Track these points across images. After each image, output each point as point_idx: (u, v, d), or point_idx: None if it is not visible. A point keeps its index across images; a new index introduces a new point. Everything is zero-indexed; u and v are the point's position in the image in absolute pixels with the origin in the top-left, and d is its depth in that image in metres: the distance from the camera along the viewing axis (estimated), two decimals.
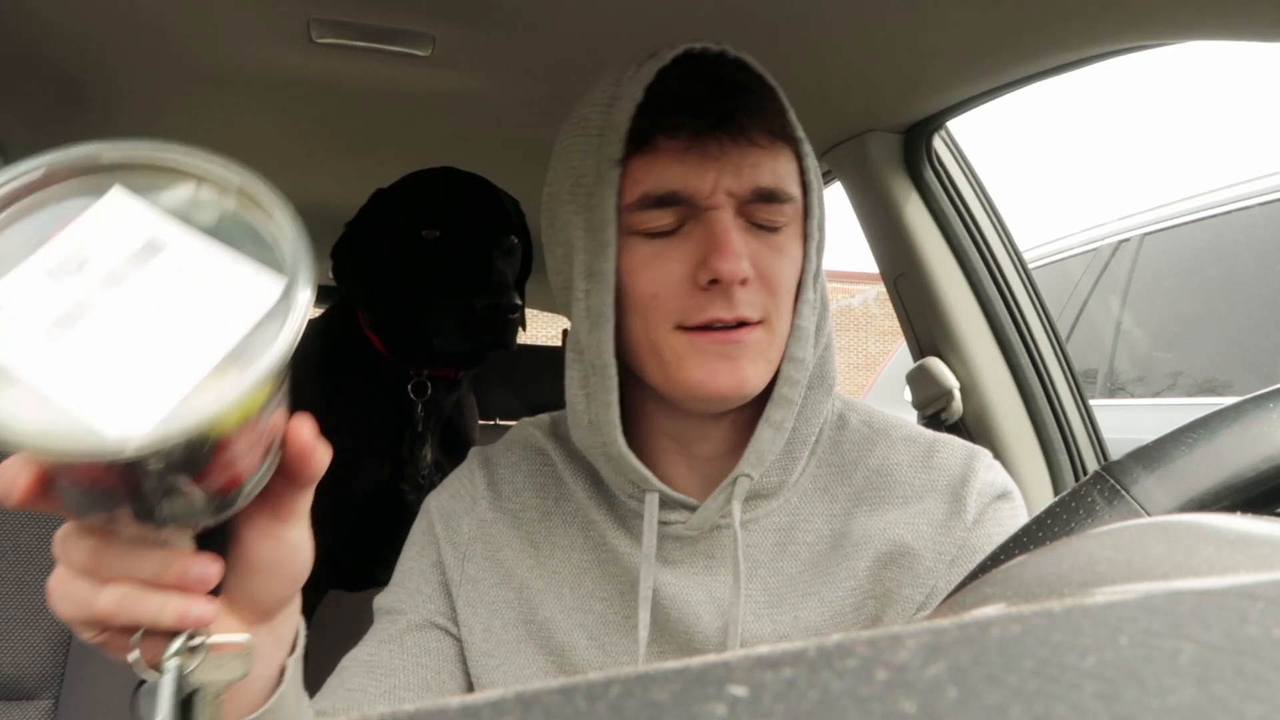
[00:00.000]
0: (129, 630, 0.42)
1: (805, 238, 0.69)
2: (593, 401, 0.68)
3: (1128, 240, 2.79)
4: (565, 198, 0.69)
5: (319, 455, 0.43)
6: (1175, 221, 2.64)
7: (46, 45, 1.18)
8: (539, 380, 2.36)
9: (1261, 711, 0.13)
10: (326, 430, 1.43)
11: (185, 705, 0.43)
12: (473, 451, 0.83)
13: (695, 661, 0.15)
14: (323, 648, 0.95)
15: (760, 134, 0.65)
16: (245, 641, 0.45)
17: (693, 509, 0.70)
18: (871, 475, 0.73)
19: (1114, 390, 2.77)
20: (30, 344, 0.33)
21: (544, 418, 0.84)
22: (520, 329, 1.35)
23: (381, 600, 0.78)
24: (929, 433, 0.77)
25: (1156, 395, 2.58)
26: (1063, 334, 1.54)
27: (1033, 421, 1.40)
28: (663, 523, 0.70)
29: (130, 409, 0.32)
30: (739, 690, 0.14)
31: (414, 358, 1.38)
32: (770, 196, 0.65)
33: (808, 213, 0.69)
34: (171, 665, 0.41)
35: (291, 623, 0.50)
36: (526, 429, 0.83)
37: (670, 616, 0.70)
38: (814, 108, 0.86)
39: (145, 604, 0.40)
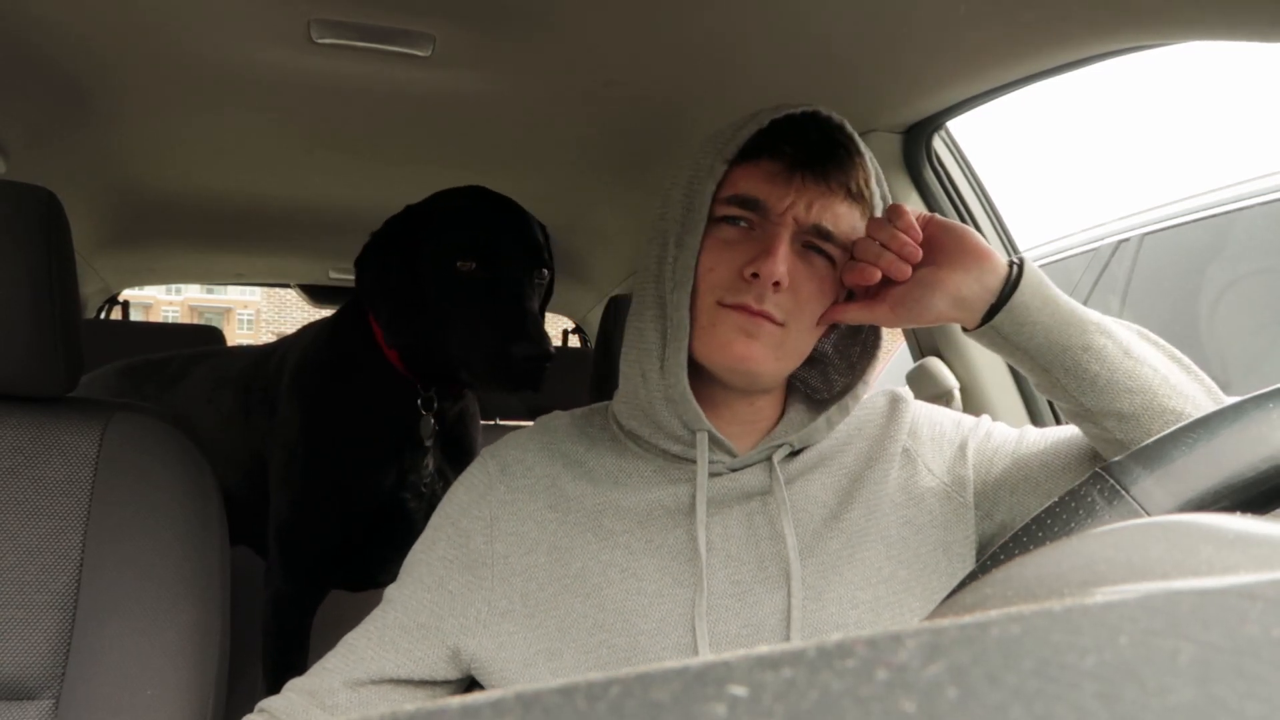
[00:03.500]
0: None
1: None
2: (669, 346, 0.80)
3: (1128, 240, 2.79)
4: (681, 185, 0.82)
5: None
6: (1175, 221, 2.64)
7: (47, 46, 1.18)
8: None
9: (1262, 711, 0.13)
10: (335, 436, 1.44)
11: None
12: (484, 450, 0.90)
13: (695, 661, 0.15)
14: (323, 647, 0.95)
15: (837, 185, 0.79)
16: None
17: (733, 455, 0.83)
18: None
19: None
20: None
21: (561, 414, 0.93)
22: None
23: (388, 590, 0.86)
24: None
25: None
26: None
27: (1032, 421, 1.40)
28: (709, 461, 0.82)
29: None
30: (739, 690, 0.14)
31: (430, 377, 1.37)
32: (825, 235, 0.79)
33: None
34: None
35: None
36: (541, 421, 0.92)
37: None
38: None
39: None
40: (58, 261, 0.90)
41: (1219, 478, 0.39)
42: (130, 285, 3.01)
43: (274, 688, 1.37)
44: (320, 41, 1.15)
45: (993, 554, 0.41)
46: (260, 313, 25.41)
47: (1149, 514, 0.39)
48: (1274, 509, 0.40)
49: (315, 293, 3.19)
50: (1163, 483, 0.40)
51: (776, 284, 0.77)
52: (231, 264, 2.78)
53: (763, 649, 0.15)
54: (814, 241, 0.80)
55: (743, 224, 0.80)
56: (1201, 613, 0.16)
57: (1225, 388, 0.73)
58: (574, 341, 3.09)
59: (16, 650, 0.86)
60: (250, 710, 0.82)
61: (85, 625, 0.87)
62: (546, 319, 1.43)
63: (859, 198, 0.81)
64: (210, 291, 26.94)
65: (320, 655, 0.86)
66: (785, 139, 0.79)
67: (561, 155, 1.61)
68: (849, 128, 0.83)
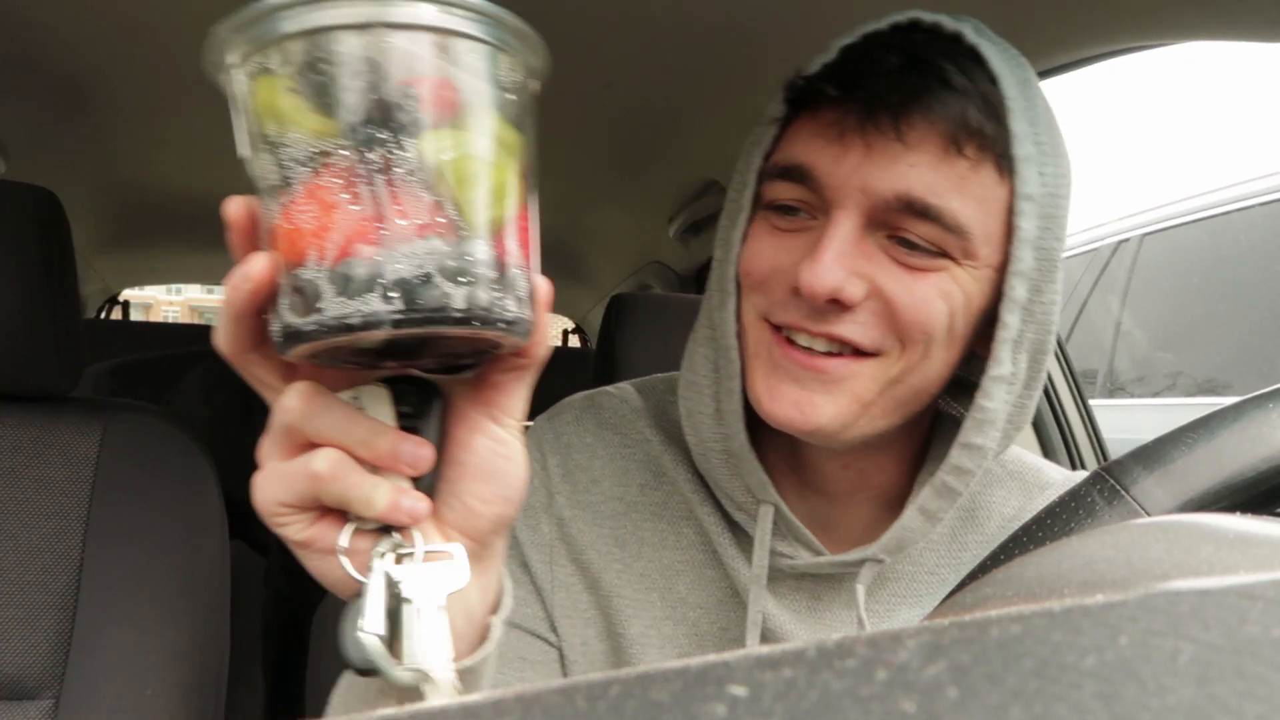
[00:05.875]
0: (337, 518, 0.39)
1: (1001, 293, 0.54)
2: (721, 387, 0.59)
3: (1128, 240, 2.79)
4: (742, 154, 0.60)
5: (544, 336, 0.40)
6: (1175, 221, 2.64)
7: (47, 47, 1.18)
8: (539, 380, 2.36)
9: (1261, 711, 0.13)
10: None
11: (393, 619, 0.38)
12: (538, 425, 0.71)
13: (695, 661, 0.15)
14: (323, 647, 0.94)
15: (926, 133, 0.50)
16: (456, 552, 0.40)
17: (808, 548, 0.61)
18: (1006, 524, 0.66)
19: (1114, 390, 2.77)
20: None
21: (628, 387, 0.73)
22: None
23: None
24: (1048, 470, 0.70)
25: (1156, 395, 2.59)
26: (1063, 334, 1.54)
27: (1032, 422, 1.40)
28: (774, 551, 0.61)
29: None
30: (739, 690, 0.14)
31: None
32: (922, 211, 0.51)
33: (1008, 260, 0.53)
34: (381, 565, 0.38)
35: (496, 569, 0.44)
36: (606, 400, 0.72)
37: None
38: None
39: (357, 477, 0.37)
40: (58, 261, 0.90)
41: (1219, 478, 0.39)
42: (130, 285, 3.01)
43: (274, 687, 1.37)
44: None
45: (993, 554, 0.41)
46: None
47: (1149, 514, 0.39)
48: (1274, 509, 0.40)
49: None
50: (1163, 483, 0.40)
51: (837, 301, 0.52)
52: (231, 264, 2.78)
53: (763, 649, 0.15)
54: (904, 231, 0.52)
55: (800, 212, 0.55)
56: (1201, 613, 0.16)
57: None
58: (574, 341, 3.09)
59: (16, 650, 0.86)
60: (249, 710, 0.82)
61: (85, 625, 0.87)
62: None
63: (989, 152, 0.51)
64: (210, 291, 26.95)
65: (320, 655, 0.86)
66: (838, 76, 0.52)
67: (561, 155, 1.61)
68: (970, 37, 0.53)
